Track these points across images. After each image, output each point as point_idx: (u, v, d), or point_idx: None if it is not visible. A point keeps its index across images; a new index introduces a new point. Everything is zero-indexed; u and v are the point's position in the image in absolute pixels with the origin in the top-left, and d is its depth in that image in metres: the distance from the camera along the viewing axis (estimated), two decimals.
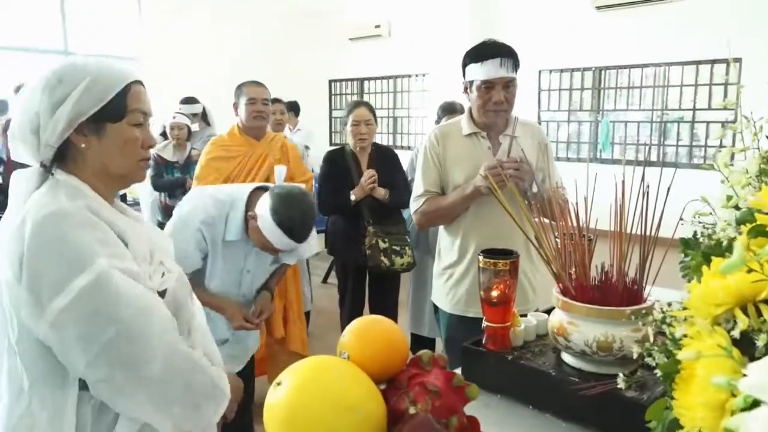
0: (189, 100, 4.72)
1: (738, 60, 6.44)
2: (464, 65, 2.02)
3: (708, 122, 7.05)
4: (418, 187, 2.14)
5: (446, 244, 2.16)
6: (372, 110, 3.17)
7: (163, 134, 4.62)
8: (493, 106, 1.97)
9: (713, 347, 0.56)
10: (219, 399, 1.15)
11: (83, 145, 1.09)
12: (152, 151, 4.50)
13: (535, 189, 1.74)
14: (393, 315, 3.28)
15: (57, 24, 8.40)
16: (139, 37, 9.12)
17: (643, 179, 1.09)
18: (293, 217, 1.76)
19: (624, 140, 7.73)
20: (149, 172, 4.24)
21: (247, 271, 2.03)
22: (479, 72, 1.95)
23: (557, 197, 1.30)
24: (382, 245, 3.02)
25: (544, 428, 1.08)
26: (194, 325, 1.20)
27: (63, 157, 1.10)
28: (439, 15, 8.46)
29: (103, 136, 1.10)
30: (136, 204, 6.43)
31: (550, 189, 1.71)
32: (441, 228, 2.20)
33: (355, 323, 0.85)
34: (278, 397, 0.70)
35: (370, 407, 0.71)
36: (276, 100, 4.39)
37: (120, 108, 1.11)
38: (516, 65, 1.96)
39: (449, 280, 2.12)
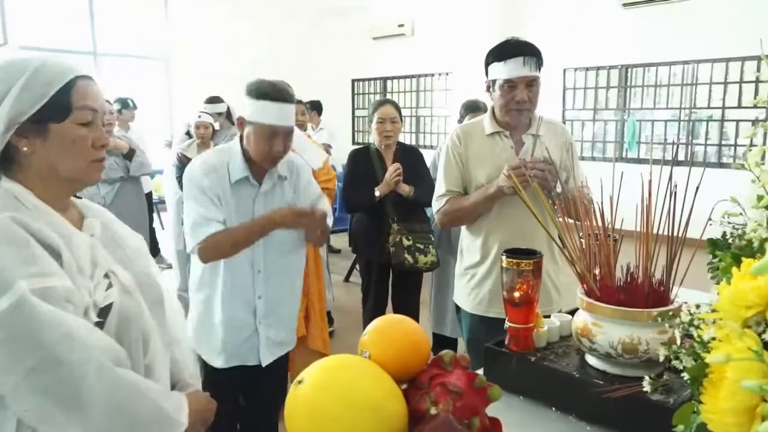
0: (213, 100, 4.77)
1: None
2: (487, 64, 2.01)
3: (738, 121, 6.90)
4: (440, 187, 2.13)
5: (468, 244, 2.15)
6: (398, 108, 3.19)
7: (188, 133, 4.67)
8: (516, 105, 1.95)
9: (743, 350, 0.55)
10: (171, 429, 1.04)
11: (26, 149, 1.01)
12: (176, 150, 4.56)
13: (559, 189, 1.72)
14: (415, 314, 3.28)
15: (86, 25, 8.56)
16: (166, 37, 9.25)
17: (670, 179, 1.07)
18: (263, 85, 1.87)
19: (651, 139, 7.59)
20: (174, 172, 4.29)
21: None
22: (502, 71, 1.93)
23: (582, 197, 1.28)
24: (405, 243, 3.01)
25: (568, 431, 1.07)
26: (152, 338, 1.10)
27: (8, 162, 1.02)
28: (463, 13, 8.42)
29: (47, 138, 1.02)
30: (161, 202, 6.55)
31: (575, 189, 1.69)
32: (463, 228, 2.19)
33: (377, 322, 0.84)
34: (299, 394, 0.70)
35: (392, 407, 0.71)
36: (297, 101, 4.43)
37: (63, 106, 1.02)
38: (539, 64, 1.95)
39: (471, 280, 2.11)
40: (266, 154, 1.90)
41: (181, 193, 4.48)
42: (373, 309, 3.26)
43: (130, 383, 0.98)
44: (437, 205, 2.13)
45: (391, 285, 3.29)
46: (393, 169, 3.04)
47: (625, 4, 7.26)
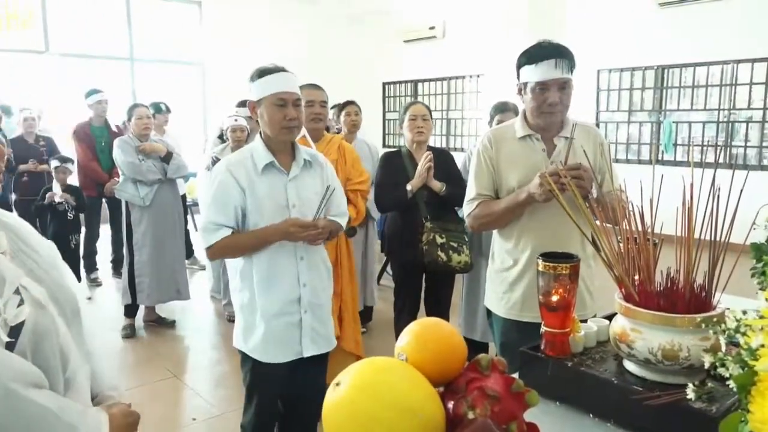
0: (245, 103, 4.84)
1: None
2: (518, 66, 1.99)
3: None
4: (470, 191, 2.12)
5: (500, 247, 2.13)
6: (428, 108, 3.26)
7: (221, 137, 4.73)
8: (548, 108, 1.93)
9: None
10: None
11: None
12: (210, 154, 4.63)
13: (595, 193, 1.69)
14: (447, 318, 3.27)
15: (123, 32, 8.77)
16: (201, 43, 9.42)
17: (713, 182, 1.04)
18: (260, 66, 2.04)
19: (688, 141, 7.42)
20: (208, 176, 4.36)
21: (293, 206, 2.03)
22: (534, 73, 1.92)
23: (620, 201, 1.25)
24: (439, 240, 3.01)
25: None
26: (71, 352, 1.05)
27: None
28: (494, 15, 8.35)
29: None
30: (195, 204, 6.68)
31: (612, 192, 1.66)
32: (495, 231, 2.17)
33: (414, 325, 0.84)
34: (338, 396, 0.71)
35: (430, 410, 0.71)
36: (350, 103, 4.51)
37: None
38: (572, 66, 1.93)
39: (503, 284, 2.09)
40: (282, 124, 1.98)
41: None
42: (406, 312, 3.26)
43: (42, 407, 0.93)
44: (468, 208, 2.11)
45: (424, 288, 3.29)
46: (425, 158, 3.05)
47: (661, 4, 7.13)
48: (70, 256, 5.06)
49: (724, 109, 7.05)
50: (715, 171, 1.06)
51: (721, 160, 7.05)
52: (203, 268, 5.97)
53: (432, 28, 9.58)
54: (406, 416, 0.68)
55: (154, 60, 9.11)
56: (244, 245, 2.00)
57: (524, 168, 1.99)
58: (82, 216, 5.23)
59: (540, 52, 1.92)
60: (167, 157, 4.32)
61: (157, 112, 5.86)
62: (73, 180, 5.34)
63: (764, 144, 6.83)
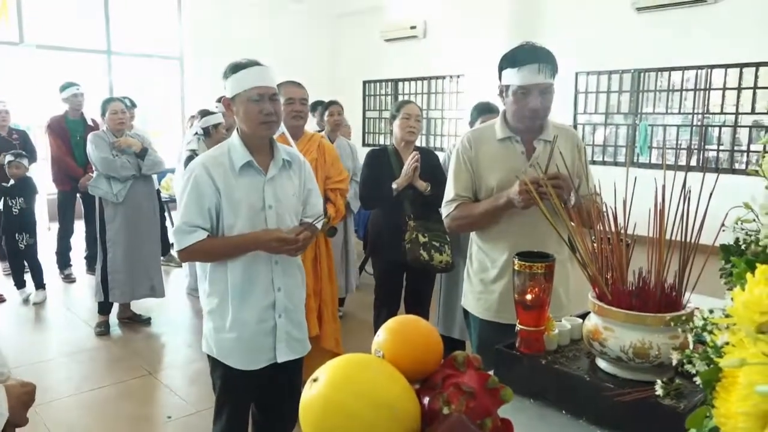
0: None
1: None
2: (500, 69, 1.98)
3: (751, 127, 6.86)
4: (449, 192, 2.11)
5: (477, 249, 2.13)
6: (420, 109, 3.31)
7: (206, 131, 4.63)
8: (529, 113, 1.92)
9: (757, 355, 0.55)
10: None
11: None
12: (187, 149, 4.55)
13: (573, 200, 1.70)
14: (426, 317, 3.29)
15: (100, 24, 8.64)
16: (180, 37, 9.32)
17: (684, 184, 1.07)
18: (233, 62, 1.96)
19: (663, 144, 7.55)
20: (185, 171, 4.31)
21: (269, 207, 1.96)
22: (516, 77, 1.90)
23: (595, 204, 1.27)
24: (421, 239, 3.03)
25: None
26: None
27: None
28: (476, 16, 8.42)
29: None
30: (172, 201, 6.61)
31: (587, 196, 1.68)
32: (473, 232, 2.18)
33: (391, 322, 0.85)
34: (314, 392, 0.71)
35: (405, 406, 0.72)
36: (333, 102, 4.53)
37: None
38: (554, 71, 1.92)
39: (480, 285, 2.10)
40: (259, 119, 1.90)
41: None
42: (386, 311, 3.27)
43: None
44: (446, 209, 2.11)
45: (404, 287, 3.31)
46: (412, 158, 3.07)
47: (638, 9, 7.24)
48: (16, 257, 4.92)
49: (698, 113, 7.19)
50: (686, 173, 1.08)
51: (695, 164, 7.20)
52: (180, 265, 5.92)
53: (413, 27, 9.60)
54: (383, 411, 0.69)
55: (131, 53, 8.99)
56: (219, 251, 1.93)
57: (503, 170, 1.98)
58: (48, 217, 5.10)
59: (522, 56, 1.90)
60: (142, 153, 4.26)
61: None
62: (40, 175, 5.23)
63: (736, 148, 6.99)
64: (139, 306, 4.59)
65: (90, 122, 5.61)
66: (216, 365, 2.05)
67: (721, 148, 7.10)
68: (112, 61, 8.74)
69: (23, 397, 1.22)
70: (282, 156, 2.01)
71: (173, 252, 6.37)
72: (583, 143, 2.16)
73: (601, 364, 1.17)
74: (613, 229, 1.14)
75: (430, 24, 9.56)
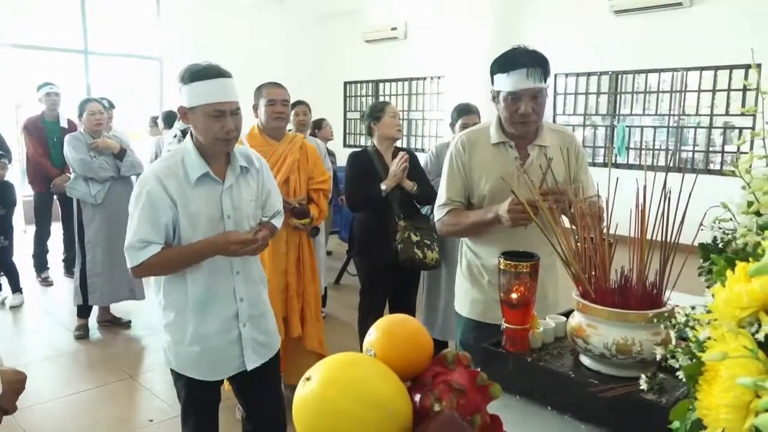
0: None
1: (758, 66, 6.38)
2: (492, 73, 1.94)
3: (725, 128, 7.01)
4: (441, 196, 2.09)
5: (467, 250, 2.12)
6: None
7: (184, 132, 4.61)
8: (520, 118, 1.89)
9: (739, 349, 0.57)
10: None
11: None
12: (168, 150, 4.50)
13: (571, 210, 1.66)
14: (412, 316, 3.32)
15: (77, 23, 8.52)
16: (158, 37, 9.22)
17: (665, 185, 1.10)
18: (194, 67, 1.82)
19: (640, 145, 7.68)
20: None
21: (228, 217, 1.88)
22: (506, 83, 1.87)
23: (593, 209, 1.27)
24: (414, 238, 3.05)
25: (563, 430, 1.10)
26: None
27: None
28: (457, 18, 8.46)
29: None
30: None
31: (590, 199, 1.64)
32: None
33: (382, 321, 0.86)
34: (308, 391, 0.72)
35: (398, 403, 0.73)
36: (300, 102, 4.48)
37: None
38: (545, 74, 1.87)
39: (469, 285, 2.09)
40: (218, 136, 1.79)
41: None
42: (373, 313, 3.28)
43: None
44: (439, 213, 2.08)
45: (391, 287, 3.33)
46: (401, 158, 3.08)
47: (616, 12, 7.35)
48: None
49: (674, 115, 7.32)
50: (666, 174, 1.11)
51: (671, 164, 7.33)
52: None
53: (394, 29, 9.64)
54: (376, 409, 0.70)
55: (109, 53, 8.88)
56: (175, 262, 1.83)
57: (496, 175, 1.95)
58: (24, 219, 5.00)
59: (512, 61, 1.86)
60: (121, 154, 4.22)
61: None
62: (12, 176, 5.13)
63: (711, 149, 7.13)
64: (118, 309, 4.54)
65: (66, 123, 5.53)
66: (179, 377, 1.98)
67: (697, 148, 7.25)
68: (89, 60, 8.62)
69: (15, 385, 1.24)
70: (239, 163, 1.93)
71: None
72: (581, 146, 2.12)
73: (585, 360, 1.19)
74: (596, 228, 1.17)
75: (411, 25, 9.59)
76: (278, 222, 2.13)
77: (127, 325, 4.45)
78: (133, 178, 4.74)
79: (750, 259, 0.70)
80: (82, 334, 4.21)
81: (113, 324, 4.44)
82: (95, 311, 4.40)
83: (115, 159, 4.21)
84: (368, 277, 3.35)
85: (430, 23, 9.13)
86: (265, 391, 2.08)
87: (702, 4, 6.76)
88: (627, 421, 1.04)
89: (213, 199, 1.86)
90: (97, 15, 8.67)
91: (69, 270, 5.60)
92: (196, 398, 2.02)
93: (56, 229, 5.73)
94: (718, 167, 6.97)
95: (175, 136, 4.48)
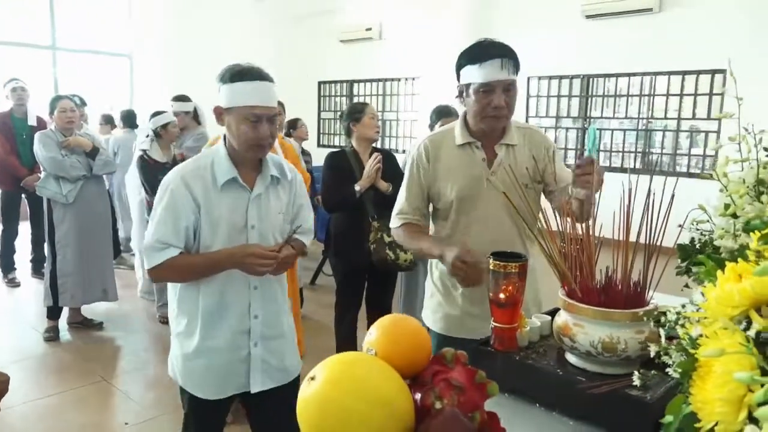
0: (181, 98, 4.71)
1: (722, 71, 6.59)
2: (459, 67, 1.85)
3: (691, 131, 7.20)
4: (399, 202, 2.01)
5: (433, 264, 2.05)
6: None
7: (156, 133, 4.53)
8: (493, 111, 1.80)
9: (735, 345, 0.60)
10: None
11: None
12: (140, 149, 4.43)
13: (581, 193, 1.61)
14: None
15: (45, 18, 8.32)
16: (129, 34, 9.07)
17: (650, 188, 1.13)
18: (236, 67, 1.75)
19: (610, 147, 7.84)
20: (139, 177, 4.20)
21: (252, 227, 1.78)
22: (477, 74, 1.78)
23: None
24: (387, 239, 3.05)
25: (552, 426, 1.12)
26: None
27: None
28: (431, 19, 8.52)
29: None
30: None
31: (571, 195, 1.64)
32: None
33: (382, 321, 0.87)
34: (312, 390, 0.73)
35: (402, 402, 0.74)
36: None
37: None
38: (516, 67, 1.81)
39: (437, 297, 2.04)
40: (251, 142, 1.71)
41: (143, 194, 4.39)
42: (350, 314, 3.28)
43: None
44: (394, 222, 2.02)
45: (366, 288, 3.33)
46: (374, 159, 3.10)
47: (588, 16, 7.49)
48: None
49: (643, 118, 7.50)
50: (651, 178, 1.15)
51: (639, 166, 7.50)
52: (131, 267, 5.76)
53: (369, 29, 9.65)
54: (381, 408, 0.71)
55: (78, 50, 8.69)
56: (191, 269, 1.75)
57: (463, 179, 1.89)
58: None
59: (484, 52, 1.78)
60: (93, 153, 4.14)
61: None
62: None
63: (678, 152, 7.32)
64: (90, 310, 4.45)
65: (35, 121, 5.40)
66: (183, 390, 1.89)
67: (664, 151, 7.44)
68: (57, 56, 8.43)
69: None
70: (270, 172, 1.83)
71: (123, 254, 6.21)
72: (554, 145, 2.05)
73: (571, 358, 1.22)
74: (583, 227, 1.20)
75: (386, 26, 9.62)
76: (307, 240, 2.00)
77: (99, 326, 4.37)
78: (105, 177, 4.67)
79: (738, 260, 0.73)
80: (52, 336, 4.12)
81: (85, 326, 4.35)
82: (65, 313, 4.31)
83: (87, 158, 4.13)
84: (344, 277, 3.35)
85: (405, 25, 9.16)
86: (279, 418, 1.91)
87: (671, 10, 6.94)
88: (613, 417, 1.07)
89: (238, 207, 1.77)
90: (65, 10, 8.48)
91: (37, 270, 5.48)
92: (199, 414, 1.90)
93: (24, 228, 5.60)
94: (685, 170, 7.16)
95: (147, 135, 4.40)
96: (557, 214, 1.57)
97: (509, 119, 1.90)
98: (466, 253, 1.67)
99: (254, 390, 1.85)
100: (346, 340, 3.31)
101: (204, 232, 1.74)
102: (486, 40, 1.83)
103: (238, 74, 1.71)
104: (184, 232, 1.73)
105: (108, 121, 7.06)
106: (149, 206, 4.34)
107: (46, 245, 4.19)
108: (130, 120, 6.47)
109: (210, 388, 1.83)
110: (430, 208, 2.05)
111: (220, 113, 1.76)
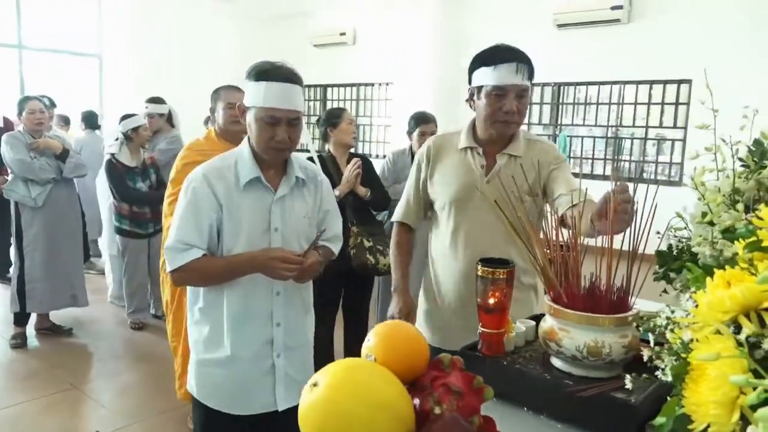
0: (156, 100, 4.65)
1: (688, 81, 6.78)
2: (472, 70, 1.82)
3: (658, 139, 7.40)
4: (399, 208, 2.06)
5: (427, 273, 2.07)
6: None
7: (126, 136, 4.42)
8: (504, 116, 1.77)
9: (729, 349, 0.63)
10: None
11: None
12: (108, 152, 4.35)
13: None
14: (365, 324, 3.32)
15: (11, 16, 8.12)
16: (98, 33, 8.90)
17: (634, 196, 1.16)
18: (263, 65, 1.72)
19: (580, 154, 8.00)
20: (107, 181, 4.13)
21: (275, 229, 1.72)
22: (491, 77, 1.75)
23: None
24: (366, 244, 3.06)
25: (540, 429, 1.14)
26: None
27: None
28: (404, 25, 8.57)
29: None
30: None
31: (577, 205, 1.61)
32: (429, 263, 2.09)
33: (381, 327, 0.88)
34: (315, 396, 0.73)
35: (402, 406, 0.75)
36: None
37: None
38: (531, 74, 1.78)
39: (425, 309, 2.06)
40: (268, 144, 1.66)
41: (113, 200, 4.31)
42: (327, 321, 3.26)
43: None
44: (394, 216, 2.09)
45: (343, 295, 3.32)
46: (354, 164, 3.10)
47: (559, 26, 7.63)
48: None
49: (612, 126, 7.67)
50: (636, 186, 1.18)
51: (607, 173, 7.67)
52: (102, 272, 5.65)
53: (343, 34, 9.66)
54: (383, 413, 0.72)
55: (45, 49, 8.49)
56: (214, 272, 1.67)
57: (457, 184, 1.88)
58: None
59: (500, 54, 1.76)
60: (63, 155, 4.06)
61: None
62: None
63: (646, 159, 7.50)
64: (59, 316, 4.35)
65: (1, 122, 5.26)
66: (197, 404, 1.79)
67: (633, 159, 7.62)
68: (23, 55, 8.22)
69: None
70: (296, 173, 1.76)
71: (93, 259, 6.08)
72: (563, 156, 1.97)
73: (556, 362, 1.25)
74: (569, 234, 1.23)
75: (359, 31, 9.64)
76: (335, 247, 1.94)
77: (68, 332, 4.27)
78: (75, 180, 4.56)
79: (727, 267, 0.76)
80: (20, 342, 4.01)
81: (53, 332, 4.25)
82: (33, 319, 4.20)
83: (57, 160, 4.04)
84: (321, 284, 3.33)
85: (378, 30, 9.20)
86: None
87: (639, 21, 7.12)
88: (599, 419, 1.10)
89: (261, 209, 1.71)
90: (32, 8, 8.28)
91: (3, 275, 5.33)
92: (212, 430, 1.81)
93: None
94: (652, 176, 7.34)
95: (117, 138, 4.32)
96: (556, 218, 1.55)
97: (519, 127, 1.87)
98: (404, 314, 1.96)
99: (281, 408, 1.76)
100: (324, 340, 3.29)
101: (226, 233, 1.68)
102: (502, 45, 1.80)
103: (264, 73, 1.68)
104: (207, 232, 1.67)
105: (66, 122, 6.85)
106: (117, 210, 4.27)
107: (13, 249, 4.08)
108: (91, 121, 6.32)
109: (235, 401, 1.74)
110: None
111: (243, 111, 1.72)
